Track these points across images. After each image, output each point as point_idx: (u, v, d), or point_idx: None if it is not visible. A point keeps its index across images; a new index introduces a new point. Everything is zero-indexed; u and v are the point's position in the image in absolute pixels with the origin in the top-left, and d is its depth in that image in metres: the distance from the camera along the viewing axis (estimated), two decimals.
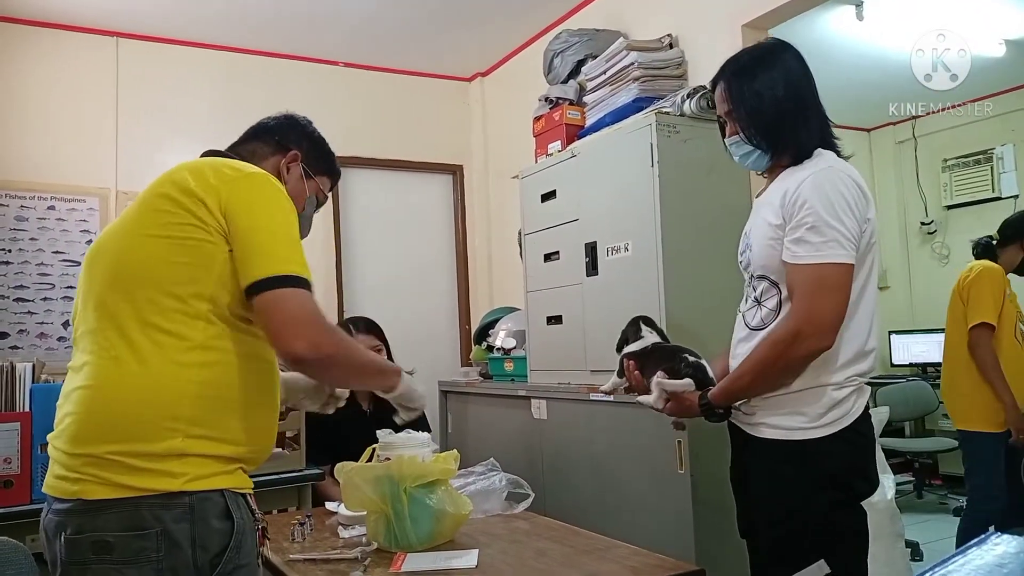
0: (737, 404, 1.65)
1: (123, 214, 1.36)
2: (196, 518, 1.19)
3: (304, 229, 1.52)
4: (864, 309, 1.57)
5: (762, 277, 1.63)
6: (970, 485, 3.12)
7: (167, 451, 1.18)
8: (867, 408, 1.59)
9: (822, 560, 1.50)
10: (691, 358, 1.73)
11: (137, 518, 1.16)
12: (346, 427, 2.55)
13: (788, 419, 1.56)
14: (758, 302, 1.63)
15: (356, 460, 1.84)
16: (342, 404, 1.71)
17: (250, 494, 1.31)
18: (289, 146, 1.54)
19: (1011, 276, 3.15)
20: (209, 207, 1.25)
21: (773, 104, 1.61)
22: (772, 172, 1.69)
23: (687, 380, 1.69)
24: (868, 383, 1.61)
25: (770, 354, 1.55)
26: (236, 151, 1.49)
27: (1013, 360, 2.98)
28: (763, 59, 1.66)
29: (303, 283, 1.26)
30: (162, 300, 1.22)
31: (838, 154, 1.66)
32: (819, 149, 1.62)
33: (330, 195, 1.68)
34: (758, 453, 1.62)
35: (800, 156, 1.62)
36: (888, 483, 3.02)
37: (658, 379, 1.73)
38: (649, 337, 1.86)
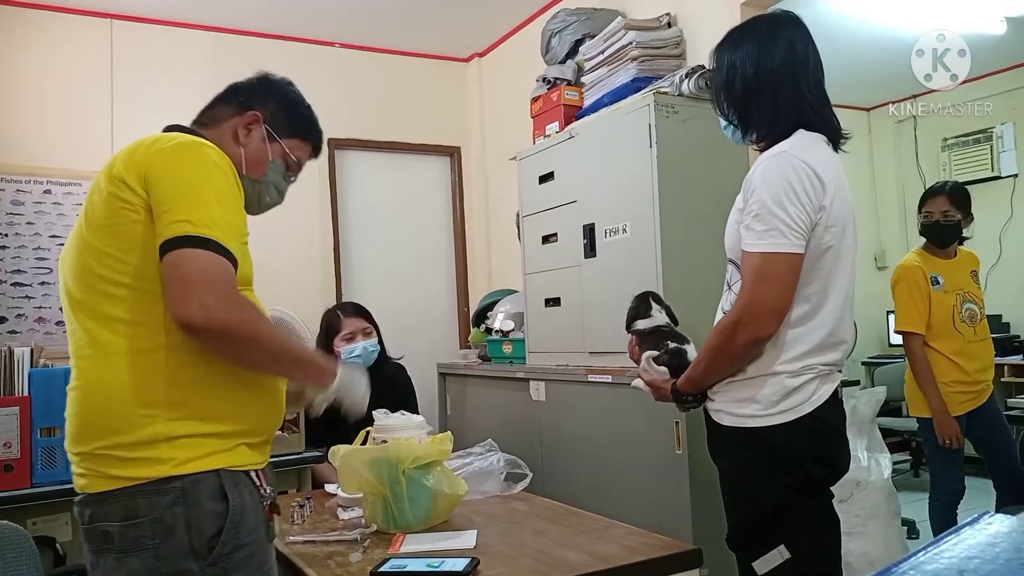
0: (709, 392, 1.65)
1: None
2: (189, 501, 1.18)
3: (271, 195, 1.47)
4: (834, 300, 1.54)
5: (731, 261, 1.63)
6: (930, 470, 3.14)
7: (151, 437, 1.18)
8: (835, 395, 1.58)
9: (781, 545, 1.51)
10: (671, 344, 1.75)
11: (132, 507, 1.17)
12: (334, 413, 2.56)
13: (742, 406, 1.56)
14: (729, 287, 1.64)
15: (351, 443, 1.84)
16: (320, 412, 1.56)
17: (256, 470, 1.29)
18: (252, 106, 1.45)
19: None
20: (130, 184, 1.20)
21: (743, 79, 1.59)
22: (759, 149, 1.67)
23: (662, 369, 1.73)
24: (840, 369, 1.60)
25: (716, 342, 1.56)
26: (200, 119, 1.45)
27: (959, 350, 2.95)
28: (753, 31, 1.63)
29: (212, 246, 1.16)
30: (113, 291, 1.21)
31: (835, 136, 1.61)
32: (801, 131, 1.57)
33: (318, 166, 1.56)
34: (719, 439, 1.63)
35: (775, 135, 1.58)
36: (885, 462, 3.04)
37: (642, 366, 1.77)
38: (658, 317, 1.88)
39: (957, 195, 3.07)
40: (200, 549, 1.18)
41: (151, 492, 1.17)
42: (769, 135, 1.60)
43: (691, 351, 1.76)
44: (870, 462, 3.01)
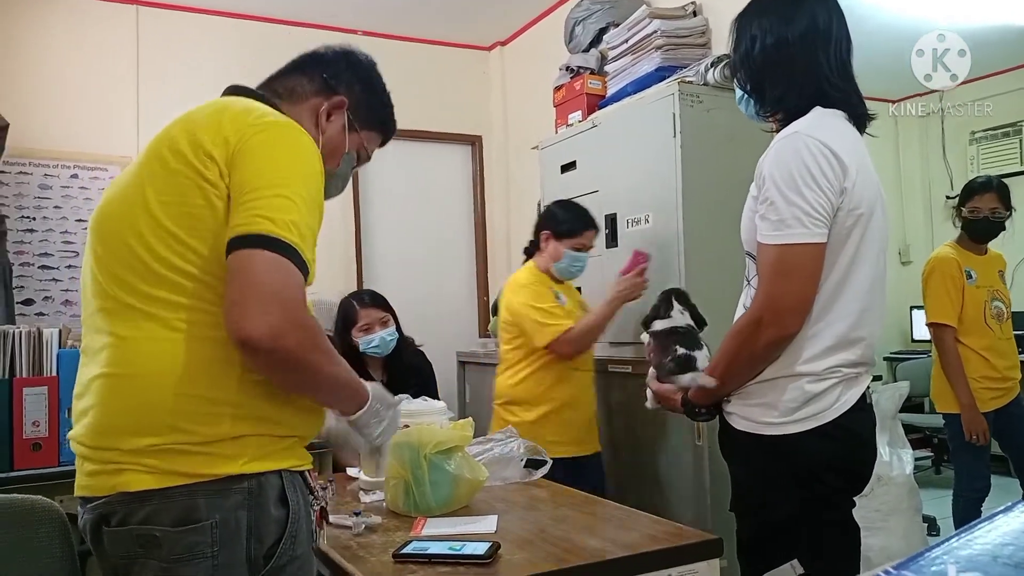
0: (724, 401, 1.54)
1: (128, 173, 1.16)
2: (254, 503, 1.05)
3: (336, 187, 1.34)
4: (852, 291, 1.42)
5: (749, 254, 1.52)
6: (955, 467, 3.12)
7: (218, 436, 1.04)
8: (863, 399, 1.46)
9: (795, 560, 1.42)
10: (680, 350, 1.62)
11: (190, 509, 1.02)
12: None
13: (758, 411, 1.45)
14: (748, 281, 1.53)
15: None
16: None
17: (309, 470, 1.17)
18: (337, 89, 1.28)
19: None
20: (218, 160, 1.05)
21: (762, 50, 1.50)
22: (775, 130, 1.57)
23: (668, 386, 1.63)
24: (876, 368, 1.52)
25: (734, 345, 1.45)
26: (272, 86, 1.28)
27: (989, 346, 2.94)
28: (776, 1, 1.54)
29: (291, 253, 1.01)
30: (178, 279, 1.05)
31: (860, 117, 1.51)
32: (818, 108, 1.45)
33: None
34: (733, 441, 1.53)
35: (791, 110, 1.48)
36: (907, 458, 3.02)
37: (648, 377, 1.69)
38: (677, 318, 1.75)
39: (1005, 192, 3.05)
40: (257, 560, 1.06)
41: (213, 492, 1.03)
42: (784, 109, 1.50)
43: (701, 358, 1.62)
44: (892, 457, 2.99)
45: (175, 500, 1.02)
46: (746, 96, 1.59)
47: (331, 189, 1.30)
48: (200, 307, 1.05)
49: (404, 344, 2.97)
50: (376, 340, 2.80)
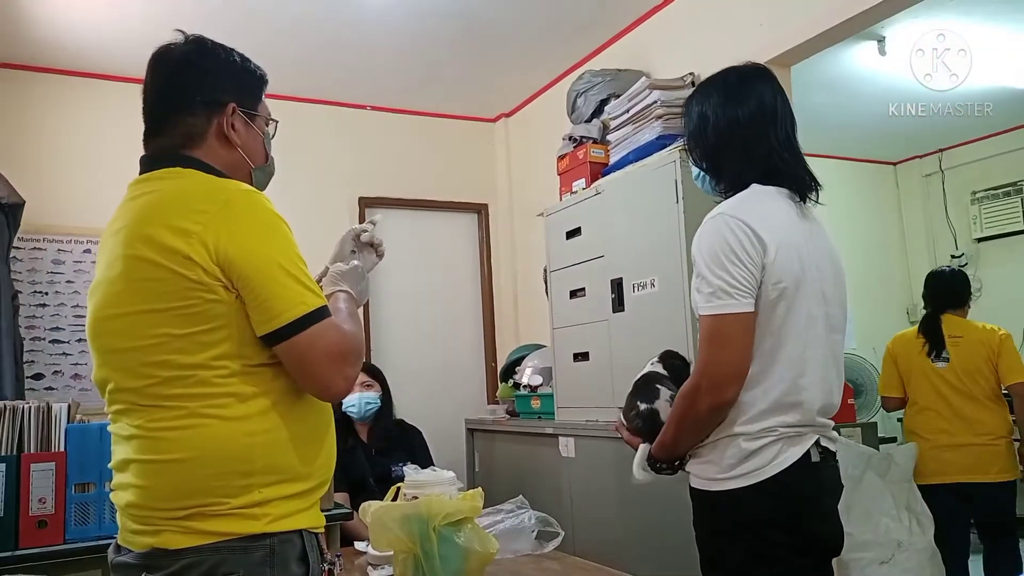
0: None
1: (107, 280, 1.21)
2: (276, 561, 1.13)
3: (272, 168, 1.37)
4: (785, 359, 1.48)
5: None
6: None
7: (248, 503, 1.13)
8: (809, 456, 1.49)
9: None
10: (642, 406, 1.68)
11: (218, 563, 1.10)
12: (346, 458, 2.65)
13: (704, 467, 1.54)
14: None
15: (357, 490, 1.83)
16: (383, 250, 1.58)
17: (321, 533, 1.24)
18: (219, 98, 1.26)
19: None
20: (199, 262, 1.10)
21: (714, 130, 1.61)
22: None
23: (636, 439, 1.69)
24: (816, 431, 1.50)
25: (679, 409, 1.55)
26: (179, 142, 1.25)
27: None
28: (724, 83, 1.65)
29: (326, 313, 1.16)
30: (190, 372, 1.12)
31: (805, 189, 1.59)
32: (754, 185, 1.56)
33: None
34: (691, 498, 1.60)
35: (740, 186, 1.58)
36: (927, 522, 2.94)
37: (616, 424, 1.77)
38: (648, 368, 1.79)
39: None
40: None
41: (239, 549, 1.11)
42: (734, 186, 1.60)
43: (663, 408, 1.67)
44: (911, 522, 2.92)
45: (204, 556, 1.10)
46: (702, 173, 1.68)
47: (271, 172, 1.37)
48: (230, 391, 1.14)
49: (391, 414, 3.16)
50: (354, 400, 2.93)
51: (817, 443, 1.51)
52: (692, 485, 1.58)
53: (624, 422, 1.73)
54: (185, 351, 1.12)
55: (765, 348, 1.48)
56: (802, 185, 1.59)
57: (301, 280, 1.15)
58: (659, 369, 1.77)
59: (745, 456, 1.47)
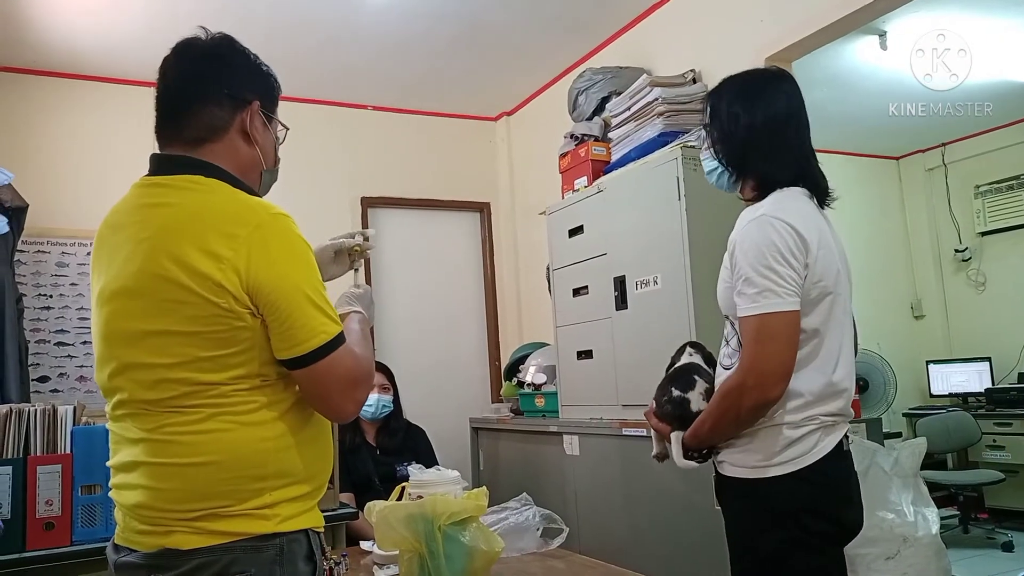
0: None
1: (126, 292, 1.19)
2: (285, 560, 1.16)
3: (276, 174, 1.39)
4: (830, 348, 1.54)
5: (726, 316, 1.65)
6: None
7: (259, 505, 1.16)
8: (841, 446, 1.54)
9: None
10: (676, 392, 1.69)
11: (229, 564, 1.12)
12: (351, 458, 2.66)
13: (743, 456, 1.56)
14: (727, 341, 1.65)
15: (362, 489, 1.84)
16: (371, 248, 1.64)
17: (322, 533, 1.28)
18: (245, 95, 1.27)
19: None
20: (230, 290, 1.12)
21: (747, 129, 1.63)
22: (744, 198, 1.70)
23: (664, 427, 1.69)
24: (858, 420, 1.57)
25: (721, 405, 1.56)
26: (186, 135, 1.25)
27: None
28: (754, 83, 1.68)
29: (340, 339, 1.20)
30: (211, 387, 1.15)
31: (822, 193, 1.63)
32: (785, 188, 1.59)
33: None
34: (722, 488, 1.63)
35: (763, 189, 1.61)
36: (932, 517, 2.93)
37: (645, 412, 1.76)
38: (686, 359, 1.82)
39: None
40: None
41: (251, 548, 1.14)
42: (762, 186, 1.62)
43: (695, 399, 1.67)
44: (917, 517, 2.91)
45: (217, 555, 1.12)
46: (721, 169, 1.69)
47: (276, 177, 1.38)
48: (234, 402, 1.16)
49: (400, 415, 3.20)
50: (372, 401, 2.97)
51: (845, 433, 1.57)
52: (726, 474, 1.59)
53: (655, 407, 1.74)
54: (208, 370, 1.15)
55: (808, 343, 1.52)
56: (821, 187, 1.64)
57: (322, 308, 1.18)
58: (699, 361, 1.80)
59: (788, 444, 1.50)
